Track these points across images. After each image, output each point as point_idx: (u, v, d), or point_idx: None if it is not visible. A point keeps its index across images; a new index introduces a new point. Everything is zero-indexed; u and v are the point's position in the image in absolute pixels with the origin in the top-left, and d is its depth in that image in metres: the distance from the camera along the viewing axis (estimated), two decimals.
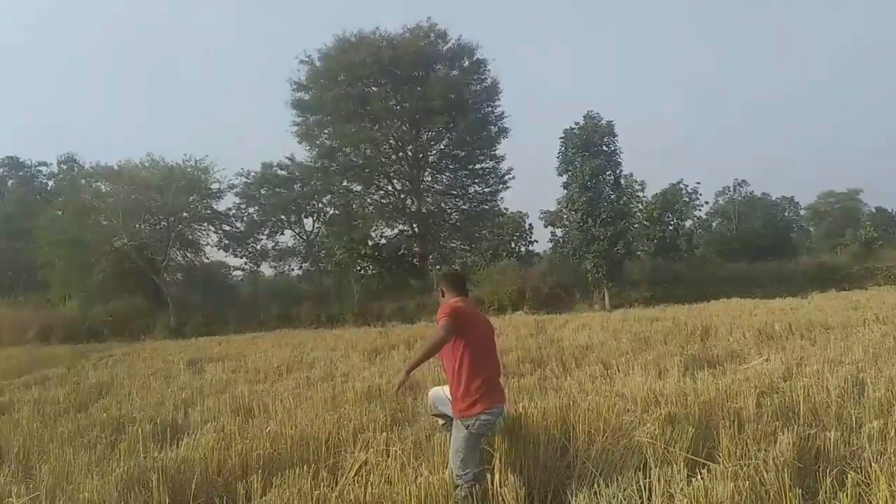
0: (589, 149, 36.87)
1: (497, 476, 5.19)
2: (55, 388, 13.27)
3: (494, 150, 49.16)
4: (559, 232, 47.39)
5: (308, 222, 52.10)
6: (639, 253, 44.84)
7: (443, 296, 6.02)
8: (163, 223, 42.52)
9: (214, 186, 44.15)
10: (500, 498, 5.02)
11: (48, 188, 58.96)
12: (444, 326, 5.34)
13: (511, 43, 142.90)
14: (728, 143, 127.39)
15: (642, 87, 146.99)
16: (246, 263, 52.33)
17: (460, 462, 5.28)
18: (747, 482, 4.49)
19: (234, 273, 52.83)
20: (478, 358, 5.51)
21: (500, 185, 49.90)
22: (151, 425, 8.09)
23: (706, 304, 27.59)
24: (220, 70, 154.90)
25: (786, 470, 4.68)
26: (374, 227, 47.48)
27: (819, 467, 5.16)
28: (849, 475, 4.52)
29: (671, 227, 46.74)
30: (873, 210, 67.08)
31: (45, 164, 62.50)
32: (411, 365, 5.61)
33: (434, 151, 49.76)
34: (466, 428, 5.34)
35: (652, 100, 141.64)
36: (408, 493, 4.96)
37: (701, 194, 50.13)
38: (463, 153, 48.55)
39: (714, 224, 56.90)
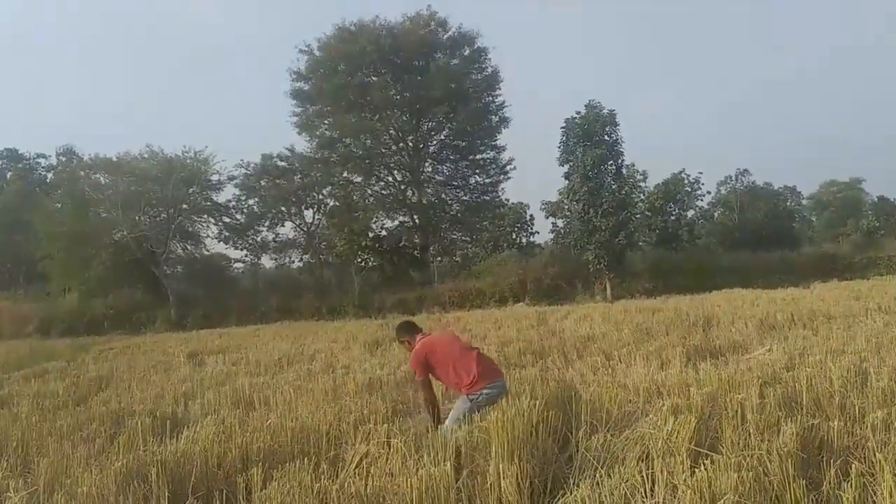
0: (590, 138, 36.75)
1: (498, 467, 5.15)
2: (55, 382, 13.27)
3: (495, 141, 48.93)
4: (560, 223, 47.57)
5: (308, 214, 52.04)
6: (641, 243, 44.85)
7: (407, 342, 7.72)
8: (162, 215, 42.51)
9: (214, 178, 44.38)
10: (500, 489, 4.98)
11: (47, 180, 58.96)
12: (420, 385, 7.44)
13: (512, 31, 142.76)
14: (730, 132, 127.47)
15: (644, 77, 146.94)
16: (246, 255, 52.39)
17: (456, 421, 6.68)
18: (751, 473, 4.46)
19: (235, 265, 52.96)
20: (460, 363, 7.10)
21: (501, 176, 49.71)
22: (151, 418, 8.04)
23: (708, 294, 27.60)
24: (219, 61, 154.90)
25: (789, 461, 4.64)
26: (375, 219, 47.49)
27: (823, 458, 5.12)
28: (853, 465, 4.48)
29: (673, 218, 46.85)
30: (875, 199, 67.11)
31: (43, 156, 62.73)
32: (433, 423, 7.14)
33: (434, 142, 49.58)
34: (471, 401, 6.86)
35: (654, 89, 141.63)
36: (409, 485, 4.92)
37: (703, 184, 50.44)
38: (463, 143, 48.33)
39: (716, 214, 57.00)
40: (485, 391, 6.89)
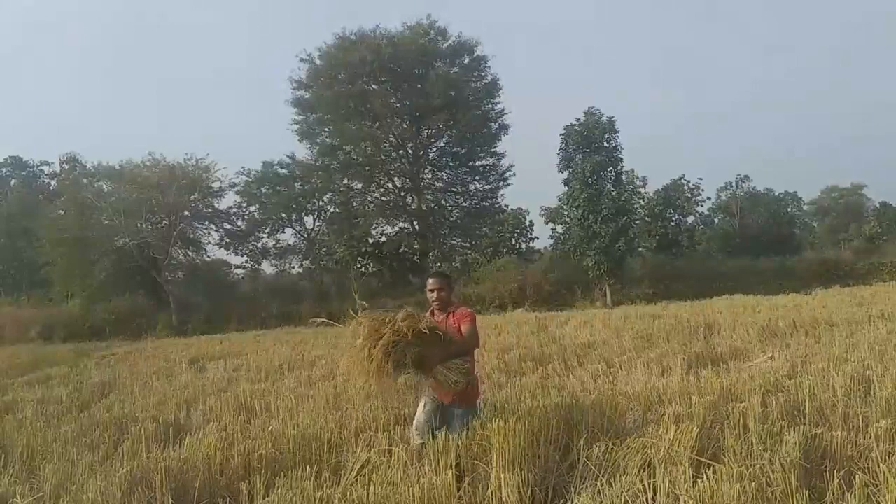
0: (590, 145, 36.88)
1: (500, 476, 5.15)
2: (58, 388, 13.26)
3: (495, 147, 49.00)
4: (560, 228, 47.55)
5: (309, 220, 52.26)
6: (640, 249, 44.85)
7: (446, 295, 6.79)
8: (164, 222, 42.66)
9: (215, 185, 44.39)
10: (501, 498, 4.98)
11: (50, 188, 58.96)
12: (477, 335, 6.31)
13: (511, 37, 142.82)
14: (730, 137, 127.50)
15: (644, 82, 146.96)
16: (247, 262, 52.60)
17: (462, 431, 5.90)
18: (754, 483, 4.46)
19: (236, 271, 53.06)
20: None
21: (501, 182, 49.80)
22: (154, 425, 8.06)
23: (709, 300, 27.60)
24: (219, 69, 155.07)
25: (792, 471, 4.64)
26: (375, 225, 47.56)
27: (826, 468, 5.10)
28: (856, 476, 4.48)
29: (673, 224, 46.89)
30: (877, 205, 66.99)
31: (47, 163, 62.74)
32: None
33: (434, 149, 49.67)
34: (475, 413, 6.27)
35: (654, 94, 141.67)
36: (411, 493, 4.92)
37: (703, 190, 50.44)
38: (463, 150, 48.42)
39: (716, 220, 57.02)
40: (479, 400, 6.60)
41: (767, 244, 47.14)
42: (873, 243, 49.20)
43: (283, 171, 50.20)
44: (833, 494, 4.51)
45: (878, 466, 4.62)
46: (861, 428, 5.97)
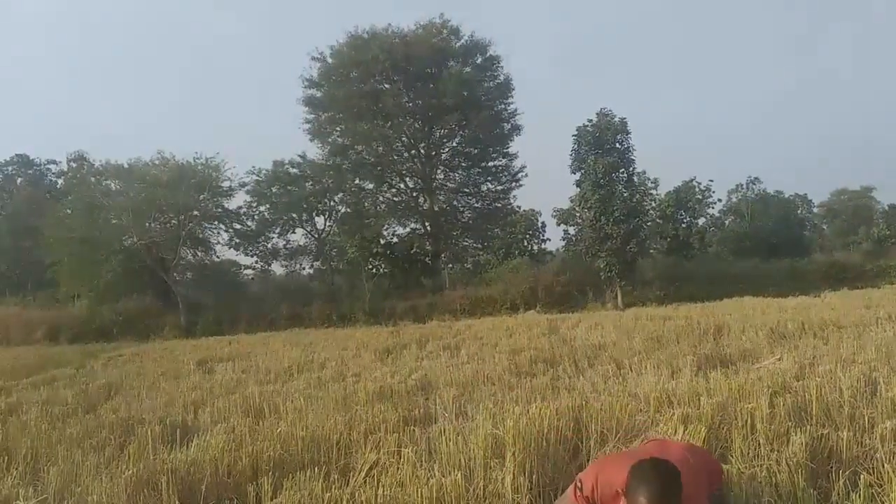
0: (602, 146, 36.75)
1: (508, 476, 5.14)
2: (63, 389, 13.27)
3: (507, 148, 49.15)
4: (572, 230, 47.32)
5: (320, 221, 52.10)
6: (652, 251, 44.73)
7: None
8: (173, 222, 42.49)
9: (225, 184, 44.13)
10: (511, 498, 4.98)
11: (57, 186, 58.93)
12: None
13: (522, 38, 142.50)
14: (741, 140, 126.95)
15: (654, 84, 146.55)
16: (257, 262, 52.42)
17: None
18: (761, 483, 4.45)
19: (245, 272, 52.94)
20: None
21: (513, 183, 49.93)
22: (161, 427, 8.06)
23: (719, 302, 27.48)
24: (230, 67, 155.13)
25: (799, 471, 4.64)
26: (386, 226, 47.60)
27: (832, 468, 5.10)
28: (861, 476, 4.48)
29: (684, 225, 46.64)
30: (886, 208, 66.64)
31: (54, 162, 62.89)
32: None
33: (446, 149, 49.77)
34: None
35: (665, 96, 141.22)
36: (419, 495, 4.92)
37: (714, 192, 50.09)
38: (475, 151, 48.54)
39: (727, 222, 56.76)
40: None
41: (777, 246, 46.87)
42: (882, 246, 48.80)
43: (294, 170, 50.15)
44: (838, 494, 4.52)
45: (883, 467, 4.63)
46: (867, 429, 5.97)
